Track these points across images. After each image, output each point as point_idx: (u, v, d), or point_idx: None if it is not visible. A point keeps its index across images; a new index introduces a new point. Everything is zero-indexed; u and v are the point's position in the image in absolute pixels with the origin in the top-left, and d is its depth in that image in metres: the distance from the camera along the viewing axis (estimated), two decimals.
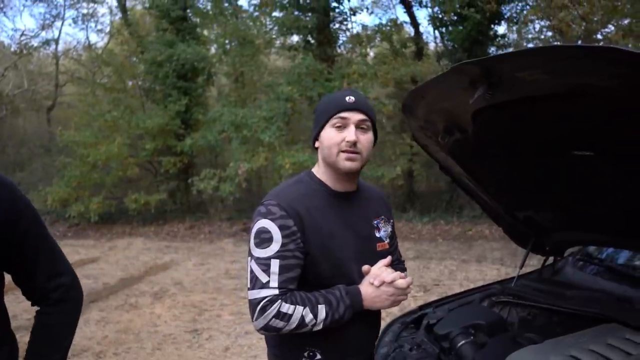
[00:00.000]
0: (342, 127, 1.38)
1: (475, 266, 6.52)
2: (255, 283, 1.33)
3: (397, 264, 1.64)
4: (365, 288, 1.39)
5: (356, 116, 1.38)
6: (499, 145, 1.73)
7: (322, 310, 1.33)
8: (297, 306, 1.31)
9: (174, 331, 4.54)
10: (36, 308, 1.31)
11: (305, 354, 1.42)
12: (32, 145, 15.07)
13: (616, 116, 1.27)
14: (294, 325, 1.32)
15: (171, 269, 7.12)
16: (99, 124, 10.74)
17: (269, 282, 1.31)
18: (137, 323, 4.78)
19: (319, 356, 1.43)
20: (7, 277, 1.30)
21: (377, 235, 1.49)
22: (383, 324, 1.92)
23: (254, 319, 1.33)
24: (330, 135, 1.38)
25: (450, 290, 4.74)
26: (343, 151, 1.37)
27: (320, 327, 1.34)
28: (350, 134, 1.36)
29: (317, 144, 1.44)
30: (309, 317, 1.32)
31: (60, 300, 1.28)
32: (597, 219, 1.89)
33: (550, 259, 2.32)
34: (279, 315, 1.30)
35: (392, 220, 1.57)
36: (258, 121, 9.16)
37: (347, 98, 1.38)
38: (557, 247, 2.24)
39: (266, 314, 1.31)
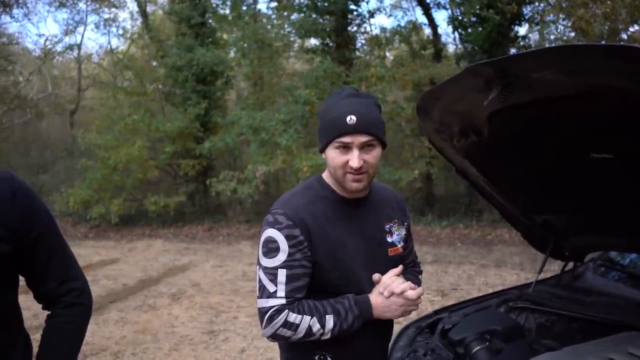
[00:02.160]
0: (345, 149, 1.30)
1: (494, 271, 6.43)
2: (263, 292, 1.34)
3: (412, 267, 1.61)
4: (375, 298, 1.38)
5: (359, 139, 1.29)
6: (515, 148, 1.69)
7: (329, 320, 1.32)
8: (305, 316, 1.31)
9: (190, 332, 4.58)
10: (47, 312, 1.32)
11: (316, 357, 1.42)
12: (55, 148, 15.43)
13: (636, 117, 1.23)
14: (301, 335, 1.32)
15: (189, 271, 7.19)
16: (120, 127, 10.92)
17: (276, 291, 1.32)
18: (155, 324, 4.83)
19: None
20: (22, 279, 1.32)
21: (389, 240, 1.46)
22: (398, 328, 1.90)
23: (263, 327, 1.35)
24: (333, 157, 1.32)
25: (469, 295, 4.67)
26: (348, 172, 1.32)
27: (328, 336, 1.34)
28: (353, 159, 1.29)
29: (324, 156, 1.39)
30: (316, 327, 1.32)
31: (72, 305, 1.30)
32: (619, 223, 1.84)
33: (570, 265, 2.27)
34: (286, 324, 1.31)
35: (406, 223, 1.53)
36: (276, 124, 9.20)
37: (348, 119, 1.27)
38: (577, 252, 2.19)
39: (274, 323, 1.32)
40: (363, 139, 1.29)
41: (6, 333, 1.23)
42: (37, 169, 14.68)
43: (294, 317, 1.31)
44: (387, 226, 1.47)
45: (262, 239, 1.36)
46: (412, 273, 1.58)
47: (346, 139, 1.29)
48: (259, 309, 1.35)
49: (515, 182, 1.92)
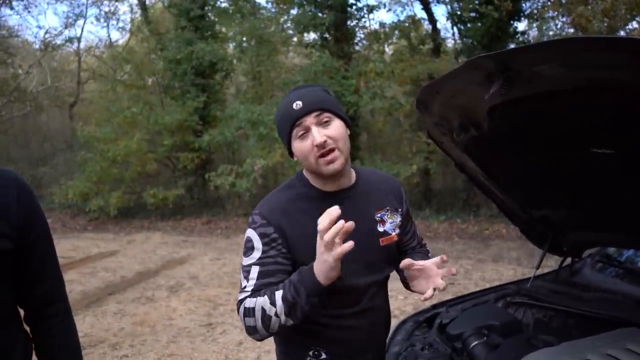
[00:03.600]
0: (305, 134, 1.30)
1: (491, 266, 6.44)
2: (239, 288, 1.35)
3: (420, 248, 1.59)
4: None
5: (310, 117, 1.29)
6: (515, 142, 1.69)
7: (278, 295, 1.24)
8: (258, 298, 1.27)
9: (188, 325, 4.59)
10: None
11: (311, 352, 1.41)
12: (54, 141, 15.39)
13: (637, 111, 1.22)
14: (260, 320, 1.25)
15: (187, 264, 7.20)
16: (119, 120, 10.90)
17: (246, 287, 1.32)
18: (153, 316, 4.84)
19: (324, 355, 1.40)
20: None
21: (381, 229, 1.42)
22: (395, 322, 1.91)
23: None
24: (299, 148, 1.32)
25: (465, 290, 4.68)
26: (319, 156, 1.29)
27: (284, 317, 1.23)
28: (315, 137, 1.28)
29: (295, 157, 1.38)
30: (267, 305, 1.25)
31: (66, 313, 1.32)
32: (617, 219, 1.84)
33: (568, 260, 2.27)
34: (246, 312, 1.28)
35: (400, 210, 1.48)
36: (274, 118, 9.17)
37: (294, 105, 1.30)
38: (575, 247, 2.19)
39: (239, 314, 1.31)
40: (314, 114, 1.30)
41: (7, 330, 1.23)
42: (36, 161, 14.65)
43: (249, 302, 1.28)
44: (378, 215, 1.42)
45: (244, 239, 1.39)
46: (419, 252, 1.56)
47: (300, 122, 1.30)
48: None
49: (514, 177, 1.91)
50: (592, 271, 2.21)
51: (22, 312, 1.30)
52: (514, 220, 2.22)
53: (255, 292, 1.30)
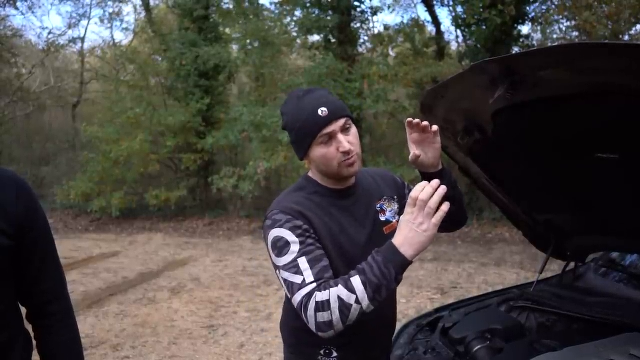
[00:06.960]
0: (330, 140, 1.34)
1: (494, 270, 6.42)
2: (293, 289, 1.26)
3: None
4: (396, 235, 1.22)
5: (337, 125, 1.33)
6: (519, 147, 1.69)
7: (356, 281, 1.19)
8: (331, 289, 1.20)
9: (190, 326, 4.58)
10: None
11: (322, 351, 1.41)
12: (57, 141, 15.41)
13: None
14: (337, 311, 1.18)
15: (189, 265, 7.20)
16: (122, 121, 10.89)
17: (304, 280, 1.25)
18: (155, 317, 4.84)
19: (335, 354, 1.41)
20: None
21: (383, 218, 1.47)
22: (399, 325, 1.90)
23: (308, 323, 1.24)
24: (322, 153, 1.35)
25: (468, 294, 4.67)
26: (342, 161, 1.34)
27: (367, 302, 1.18)
28: (341, 144, 1.33)
29: (306, 160, 1.41)
30: (344, 293, 1.18)
31: (67, 311, 1.31)
32: (621, 223, 1.83)
33: (572, 265, 2.26)
34: (319, 307, 1.20)
35: (396, 197, 1.53)
36: (278, 121, 9.18)
37: (320, 112, 1.32)
38: (579, 252, 2.19)
39: (308, 311, 1.22)
40: (340, 123, 1.34)
41: (5, 328, 1.22)
42: (39, 161, 14.68)
43: (321, 296, 1.20)
44: (378, 206, 1.48)
45: (269, 244, 1.33)
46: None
47: (328, 130, 1.33)
48: (296, 308, 1.26)
49: (519, 181, 1.91)
50: (595, 276, 2.21)
51: (24, 311, 1.30)
52: (517, 224, 2.22)
53: (321, 284, 1.24)
